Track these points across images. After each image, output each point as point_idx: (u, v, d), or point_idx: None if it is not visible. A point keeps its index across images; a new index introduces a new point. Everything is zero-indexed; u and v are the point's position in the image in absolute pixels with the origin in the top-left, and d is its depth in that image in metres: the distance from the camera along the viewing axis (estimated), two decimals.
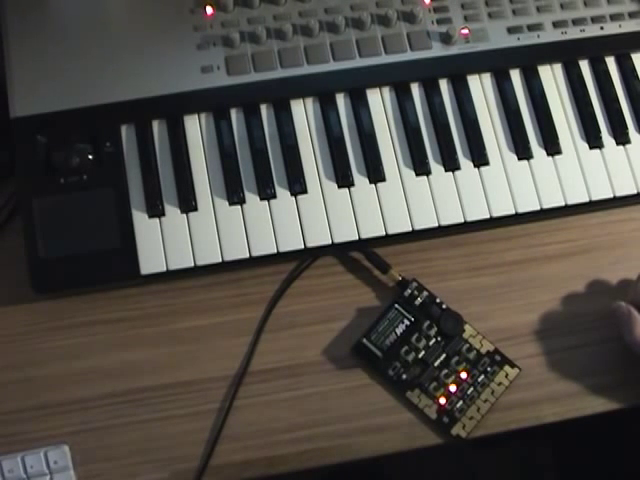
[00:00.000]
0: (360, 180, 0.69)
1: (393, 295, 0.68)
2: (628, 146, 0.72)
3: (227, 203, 0.68)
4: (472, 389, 0.66)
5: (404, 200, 0.69)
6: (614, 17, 0.75)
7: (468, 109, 0.72)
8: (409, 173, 0.70)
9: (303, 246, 0.67)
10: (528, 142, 0.71)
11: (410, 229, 0.68)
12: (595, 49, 0.74)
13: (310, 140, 0.70)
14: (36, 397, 0.66)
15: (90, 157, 0.68)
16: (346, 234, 0.68)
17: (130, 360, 0.67)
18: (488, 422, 0.66)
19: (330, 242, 0.67)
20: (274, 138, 0.70)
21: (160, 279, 0.68)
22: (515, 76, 0.73)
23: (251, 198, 0.68)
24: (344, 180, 0.69)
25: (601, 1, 0.75)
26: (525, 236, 0.71)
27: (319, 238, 0.67)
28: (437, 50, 0.73)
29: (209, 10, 0.73)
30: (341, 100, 0.72)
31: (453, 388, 0.66)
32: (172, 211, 0.68)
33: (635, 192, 0.70)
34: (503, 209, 0.69)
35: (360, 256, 0.70)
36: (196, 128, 0.70)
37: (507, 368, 0.67)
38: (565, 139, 0.72)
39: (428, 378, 0.66)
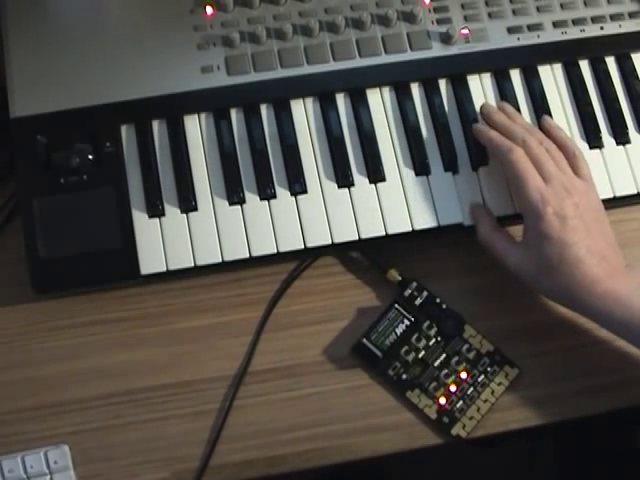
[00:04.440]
0: (360, 180, 0.69)
1: (393, 295, 0.68)
2: (628, 146, 0.72)
3: (227, 203, 0.68)
4: (472, 389, 0.66)
5: (404, 200, 0.69)
6: (614, 17, 0.75)
7: (468, 109, 0.72)
8: (409, 173, 0.70)
9: (303, 246, 0.67)
10: None
11: (410, 229, 0.68)
12: (595, 49, 0.74)
13: (310, 140, 0.70)
14: (36, 397, 0.66)
15: (90, 157, 0.68)
16: (346, 234, 0.68)
17: (130, 360, 0.67)
18: (488, 422, 0.66)
19: (330, 242, 0.67)
20: (274, 138, 0.70)
21: (160, 279, 0.68)
22: (515, 76, 0.73)
23: (251, 198, 0.68)
24: (344, 180, 0.69)
25: (601, 1, 0.75)
26: None
27: (319, 238, 0.67)
28: (437, 50, 0.73)
29: (209, 10, 0.73)
30: (341, 100, 0.72)
31: (453, 388, 0.66)
32: (172, 211, 0.68)
33: (635, 192, 0.70)
34: (503, 209, 0.69)
35: (360, 256, 0.70)
36: (196, 128, 0.70)
37: (507, 368, 0.67)
38: None
39: (428, 378, 0.66)
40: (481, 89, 0.73)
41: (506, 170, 0.66)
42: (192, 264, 0.67)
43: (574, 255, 0.61)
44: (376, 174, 0.69)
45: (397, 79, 0.72)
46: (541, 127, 0.70)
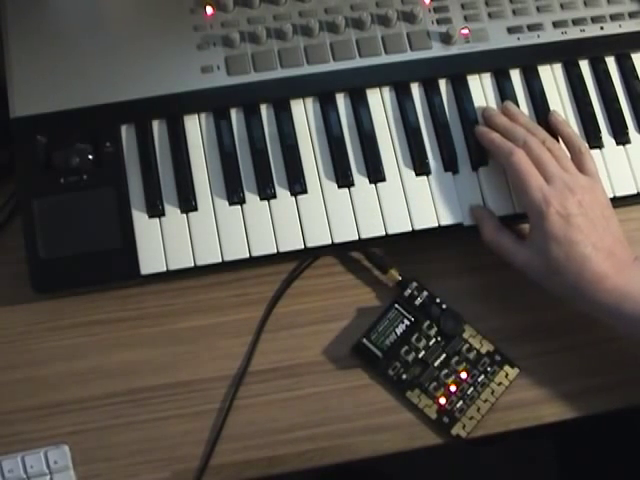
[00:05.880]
0: (360, 180, 0.69)
1: (393, 295, 0.68)
2: (628, 146, 0.72)
3: (227, 203, 0.68)
4: (472, 389, 0.66)
5: (404, 200, 0.69)
6: (614, 17, 0.75)
7: (468, 109, 0.72)
8: (409, 173, 0.70)
9: (303, 246, 0.67)
10: None
11: (410, 229, 0.68)
12: (595, 49, 0.74)
13: (310, 140, 0.70)
14: (36, 397, 0.66)
15: (90, 157, 0.68)
16: (346, 234, 0.68)
17: (130, 360, 0.67)
18: (488, 422, 0.66)
19: (330, 242, 0.67)
20: (274, 138, 0.70)
21: (160, 279, 0.68)
22: (515, 76, 0.73)
23: (251, 198, 0.68)
24: (344, 180, 0.69)
25: (601, 1, 0.75)
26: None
27: (319, 238, 0.67)
28: (437, 50, 0.73)
29: (209, 10, 0.73)
30: (341, 100, 0.72)
31: (453, 388, 0.66)
32: (172, 211, 0.68)
33: (635, 192, 0.70)
34: (503, 209, 0.69)
35: (360, 256, 0.70)
36: (196, 128, 0.70)
37: (507, 368, 0.67)
38: None
39: (428, 378, 0.66)
40: (481, 89, 0.73)
41: (508, 172, 0.66)
42: (192, 264, 0.67)
43: (580, 252, 0.61)
44: (376, 174, 0.69)
45: (397, 79, 0.72)
46: (548, 122, 0.70)
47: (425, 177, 0.70)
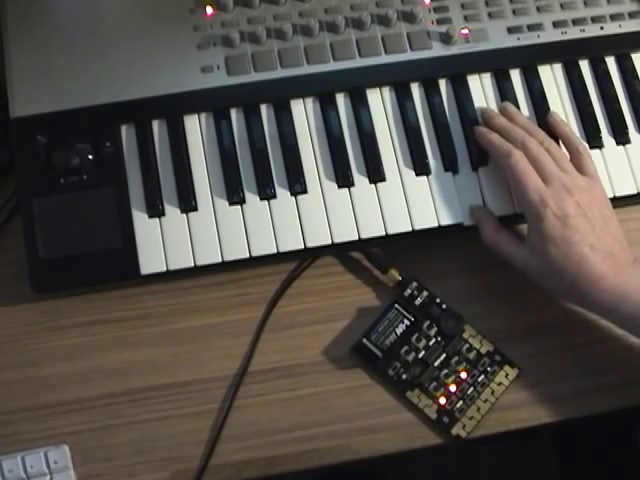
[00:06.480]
0: (360, 180, 0.69)
1: (393, 295, 0.68)
2: (628, 146, 0.72)
3: (227, 203, 0.68)
4: (472, 389, 0.66)
5: (404, 200, 0.69)
6: (614, 17, 0.75)
7: (468, 109, 0.72)
8: (409, 173, 0.70)
9: (303, 246, 0.67)
10: None
11: (410, 229, 0.68)
12: (595, 49, 0.74)
13: (310, 140, 0.70)
14: (36, 397, 0.66)
15: (90, 157, 0.68)
16: (346, 234, 0.68)
17: (130, 360, 0.67)
18: (488, 422, 0.66)
19: (330, 242, 0.67)
20: (274, 138, 0.70)
21: (160, 279, 0.68)
22: (515, 76, 0.73)
23: (251, 198, 0.68)
24: (344, 180, 0.69)
25: (601, 1, 0.75)
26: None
27: (319, 238, 0.67)
28: (437, 50, 0.73)
29: (209, 10, 0.73)
30: (341, 100, 0.72)
31: (453, 388, 0.66)
32: (172, 211, 0.68)
33: (635, 192, 0.70)
34: (503, 209, 0.69)
35: (360, 256, 0.70)
36: (196, 128, 0.70)
37: (507, 368, 0.67)
38: None
39: (428, 378, 0.66)
40: (481, 89, 0.73)
41: (506, 173, 0.66)
42: (192, 264, 0.67)
43: (578, 253, 0.61)
44: (376, 174, 0.69)
45: (397, 79, 0.72)
46: (547, 122, 0.70)
47: (425, 177, 0.70)
